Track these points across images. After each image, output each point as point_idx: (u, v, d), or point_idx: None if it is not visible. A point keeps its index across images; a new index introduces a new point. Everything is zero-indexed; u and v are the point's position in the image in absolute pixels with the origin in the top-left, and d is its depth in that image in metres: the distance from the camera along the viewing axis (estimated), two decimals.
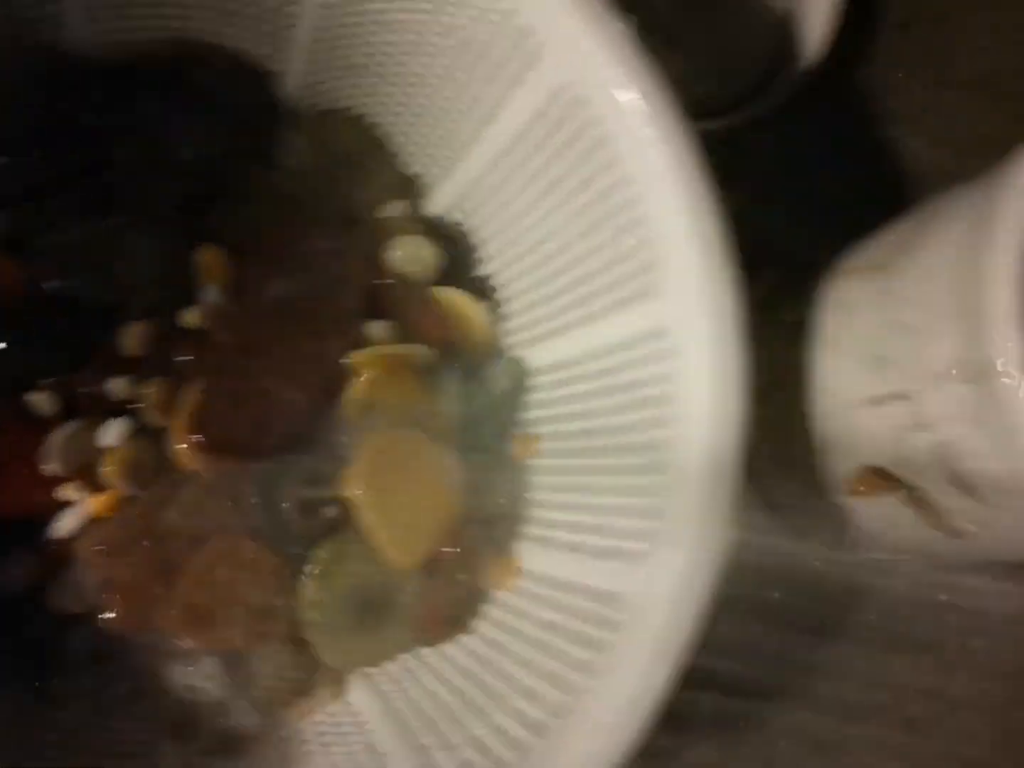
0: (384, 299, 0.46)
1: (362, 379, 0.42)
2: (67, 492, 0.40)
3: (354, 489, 0.40)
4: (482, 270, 0.49)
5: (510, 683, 0.39)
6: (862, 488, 0.38)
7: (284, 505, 0.41)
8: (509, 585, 0.44)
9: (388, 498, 0.41)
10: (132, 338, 0.41)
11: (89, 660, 0.42)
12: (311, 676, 0.43)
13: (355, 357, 0.42)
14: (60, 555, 0.41)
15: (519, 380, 0.47)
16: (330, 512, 0.42)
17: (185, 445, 0.40)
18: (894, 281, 0.36)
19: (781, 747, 0.50)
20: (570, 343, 0.45)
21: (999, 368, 0.29)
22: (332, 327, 0.43)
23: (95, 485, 0.41)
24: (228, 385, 0.40)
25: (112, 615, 0.39)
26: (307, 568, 0.41)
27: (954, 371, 0.31)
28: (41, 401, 0.40)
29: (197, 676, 0.42)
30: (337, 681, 0.44)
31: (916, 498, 0.36)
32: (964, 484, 0.33)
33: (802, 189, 0.53)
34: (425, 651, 0.44)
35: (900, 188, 0.53)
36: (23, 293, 0.40)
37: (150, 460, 0.41)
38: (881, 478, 0.37)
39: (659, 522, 0.36)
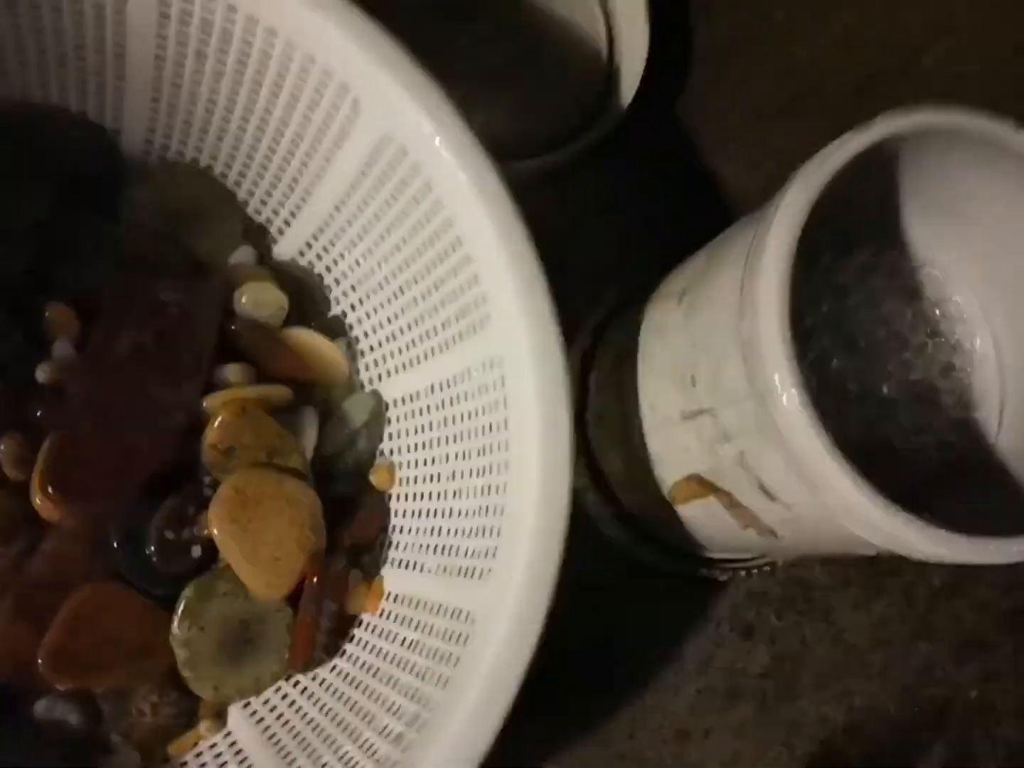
0: (237, 342, 0.48)
1: (217, 422, 0.44)
2: None
3: (214, 528, 0.42)
4: (335, 309, 0.52)
5: (377, 701, 0.42)
6: (685, 494, 0.42)
7: (148, 548, 0.42)
8: (376, 608, 0.46)
9: (249, 535, 0.43)
10: None
11: None
12: (191, 711, 0.44)
13: (209, 401, 0.44)
14: None
15: (376, 413, 0.50)
16: (196, 552, 0.43)
17: (41, 500, 0.41)
18: (694, 306, 0.40)
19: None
20: (420, 375, 0.48)
21: (774, 389, 0.32)
22: (185, 373, 0.45)
23: None
24: (81, 437, 0.42)
25: None
26: (176, 609, 0.42)
27: (741, 390, 0.35)
28: None
29: (75, 719, 0.43)
30: (218, 714, 0.45)
31: (732, 503, 0.41)
32: (765, 490, 0.37)
33: (624, 221, 0.58)
34: (299, 678, 0.46)
35: (720, 213, 0.58)
36: None
37: (9, 514, 0.42)
38: (700, 485, 0.41)
39: (499, 540, 0.40)
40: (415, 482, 0.48)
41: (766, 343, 0.32)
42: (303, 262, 0.52)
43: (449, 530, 0.44)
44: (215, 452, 0.44)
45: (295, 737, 0.43)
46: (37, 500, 0.41)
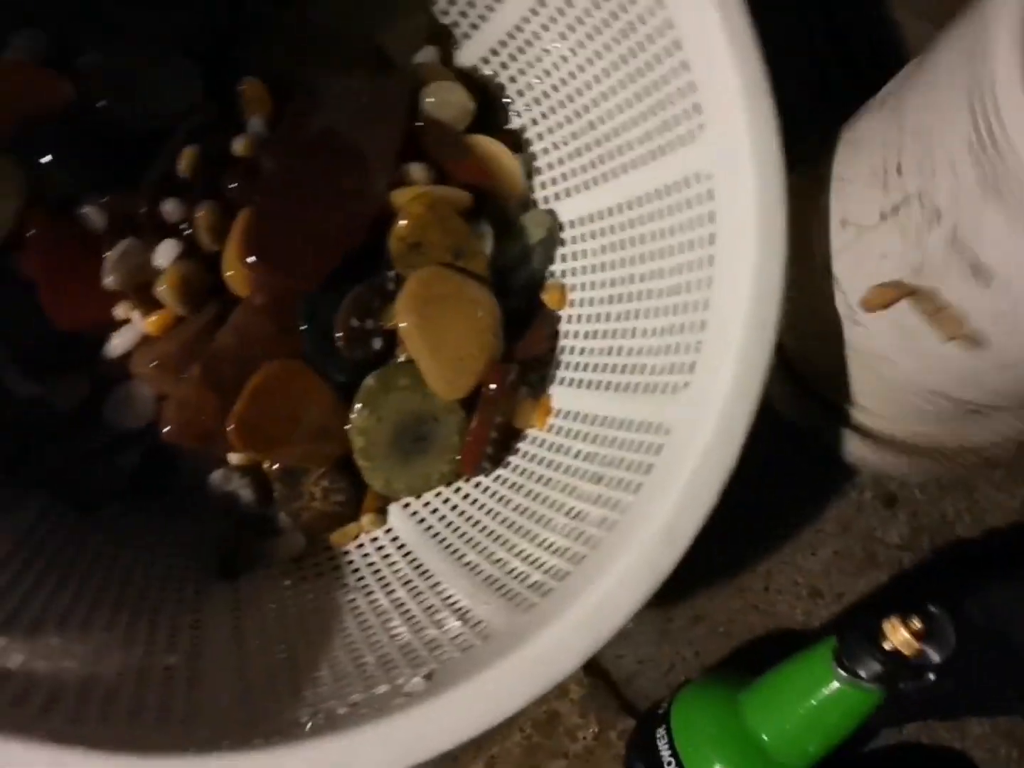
0: (421, 142, 0.46)
1: (406, 215, 0.42)
2: (122, 310, 0.41)
3: (402, 320, 0.42)
4: (516, 122, 0.50)
5: (552, 507, 0.41)
6: (880, 300, 0.39)
7: (335, 333, 0.42)
8: (543, 424, 0.46)
9: (434, 331, 0.42)
10: (184, 161, 0.41)
11: (137, 475, 0.42)
12: (357, 502, 0.45)
13: (398, 196, 0.43)
14: (114, 373, 0.42)
15: (552, 231, 0.48)
16: (377, 344, 0.43)
17: (234, 271, 0.41)
18: (904, 99, 0.38)
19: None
20: (607, 193, 0.47)
21: (1009, 134, 0.30)
22: (374, 164, 0.43)
23: (150, 304, 0.41)
24: (278, 211, 0.41)
25: (170, 428, 0.40)
26: (357, 396, 0.42)
27: (966, 152, 0.32)
28: (93, 215, 0.40)
29: (247, 495, 0.43)
30: (380, 509, 0.46)
31: (934, 308, 0.37)
32: (981, 272, 0.34)
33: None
34: (462, 484, 0.46)
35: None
36: (69, 110, 0.39)
37: (202, 282, 0.41)
38: (897, 289, 0.39)
39: (697, 356, 0.38)
40: (590, 303, 0.47)
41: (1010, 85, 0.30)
42: (486, 71, 0.50)
43: (631, 349, 0.43)
44: (402, 245, 0.43)
45: (461, 536, 0.44)
46: (229, 272, 0.41)
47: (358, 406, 0.42)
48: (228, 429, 0.39)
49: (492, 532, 0.42)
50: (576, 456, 0.43)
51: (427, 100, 0.46)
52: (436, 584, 0.42)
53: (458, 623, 0.38)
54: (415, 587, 0.42)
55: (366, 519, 0.45)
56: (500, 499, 0.44)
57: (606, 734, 0.50)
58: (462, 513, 0.45)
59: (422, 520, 0.46)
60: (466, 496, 0.46)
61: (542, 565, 0.38)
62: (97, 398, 0.42)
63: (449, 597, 0.40)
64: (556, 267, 0.49)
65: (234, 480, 0.43)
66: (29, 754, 0.29)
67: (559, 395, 0.46)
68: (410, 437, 0.43)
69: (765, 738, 0.42)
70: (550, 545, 0.39)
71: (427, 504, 0.46)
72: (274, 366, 0.41)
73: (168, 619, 0.40)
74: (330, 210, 0.41)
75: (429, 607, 0.40)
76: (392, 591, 0.42)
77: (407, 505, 0.47)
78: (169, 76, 0.42)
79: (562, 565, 0.37)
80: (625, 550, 0.35)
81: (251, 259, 0.40)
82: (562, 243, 0.49)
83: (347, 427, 0.42)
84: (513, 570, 0.39)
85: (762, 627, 0.54)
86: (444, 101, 0.47)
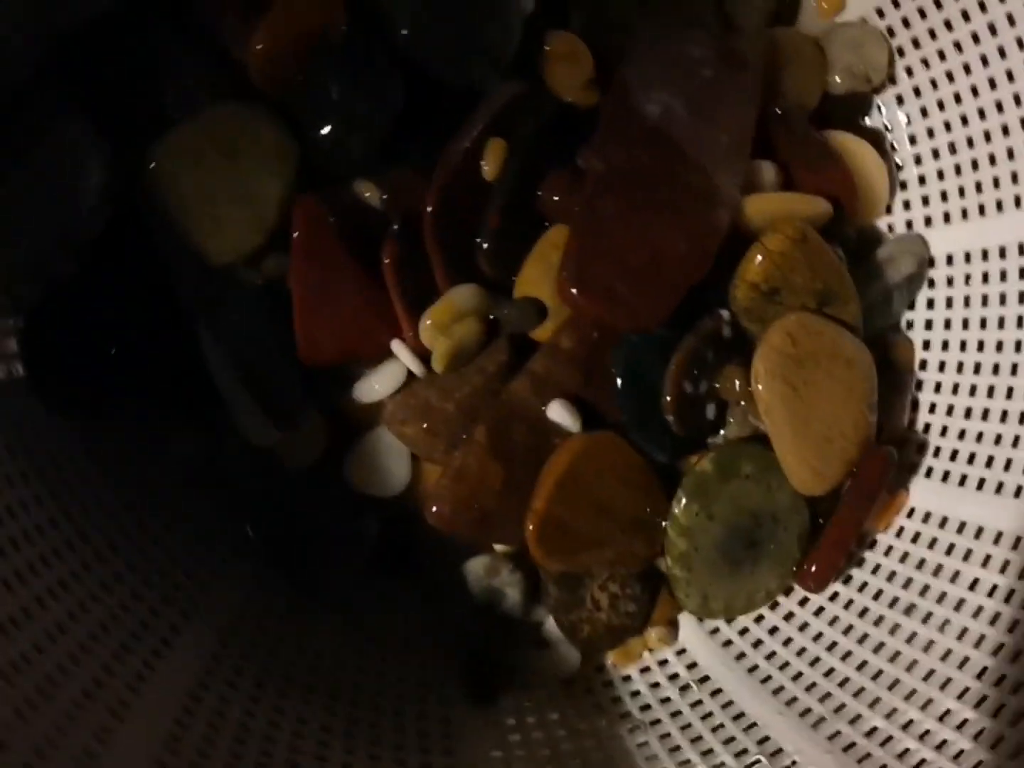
0: (771, 136, 0.34)
1: (769, 255, 0.31)
2: (395, 345, 0.30)
3: (760, 385, 0.30)
4: (881, 116, 0.37)
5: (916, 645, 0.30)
6: None
7: (664, 398, 0.30)
8: (888, 525, 0.34)
9: (802, 402, 0.30)
10: (491, 157, 0.30)
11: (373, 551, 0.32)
12: (646, 615, 0.34)
13: (752, 205, 0.31)
14: (362, 423, 0.31)
15: (922, 266, 0.36)
16: (709, 412, 0.32)
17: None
18: None
19: None
20: (1004, 226, 0.34)
21: None
22: (722, 155, 0.31)
23: (419, 346, 0.30)
24: (607, 227, 0.29)
25: (437, 509, 0.29)
26: (684, 485, 0.31)
27: None
28: (368, 190, 0.29)
29: (512, 593, 0.33)
30: (670, 622, 0.35)
31: None
32: None
33: None
34: (782, 600, 0.34)
35: None
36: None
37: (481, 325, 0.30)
38: None
39: None
40: (959, 370, 0.35)
41: None
42: None
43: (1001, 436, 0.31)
44: (752, 292, 0.31)
45: (784, 670, 0.32)
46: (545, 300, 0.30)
47: (684, 499, 0.30)
48: (526, 532, 0.28)
49: (832, 671, 0.31)
50: (941, 575, 0.31)
51: (841, 56, 0.35)
52: (755, 732, 0.31)
53: None
54: (728, 734, 0.31)
55: (654, 634, 0.34)
56: (834, 622, 0.32)
57: None
58: (787, 640, 0.33)
59: (728, 643, 0.34)
60: (789, 616, 0.34)
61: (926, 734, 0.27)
62: (334, 455, 0.31)
63: (779, 752, 0.30)
64: (909, 315, 0.37)
65: (502, 574, 0.32)
66: None
67: (919, 490, 0.34)
68: (742, 543, 0.32)
69: None
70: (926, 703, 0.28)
71: (732, 621, 0.35)
72: (585, 441, 0.30)
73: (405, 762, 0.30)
74: (672, 225, 0.30)
75: (752, 765, 0.29)
76: (697, 737, 0.31)
77: (703, 620, 0.35)
78: (493, 29, 0.31)
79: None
80: None
81: (572, 289, 0.29)
82: (930, 284, 0.37)
83: (663, 524, 0.31)
84: (874, 732, 0.28)
85: None
86: (859, 60, 0.35)
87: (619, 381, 0.30)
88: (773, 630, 0.34)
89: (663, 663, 0.35)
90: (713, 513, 0.31)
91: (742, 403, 0.31)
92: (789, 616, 0.34)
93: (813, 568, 0.32)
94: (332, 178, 0.29)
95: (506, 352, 0.30)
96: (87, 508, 0.29)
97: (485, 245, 0.30)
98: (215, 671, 0.29)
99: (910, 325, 0.37)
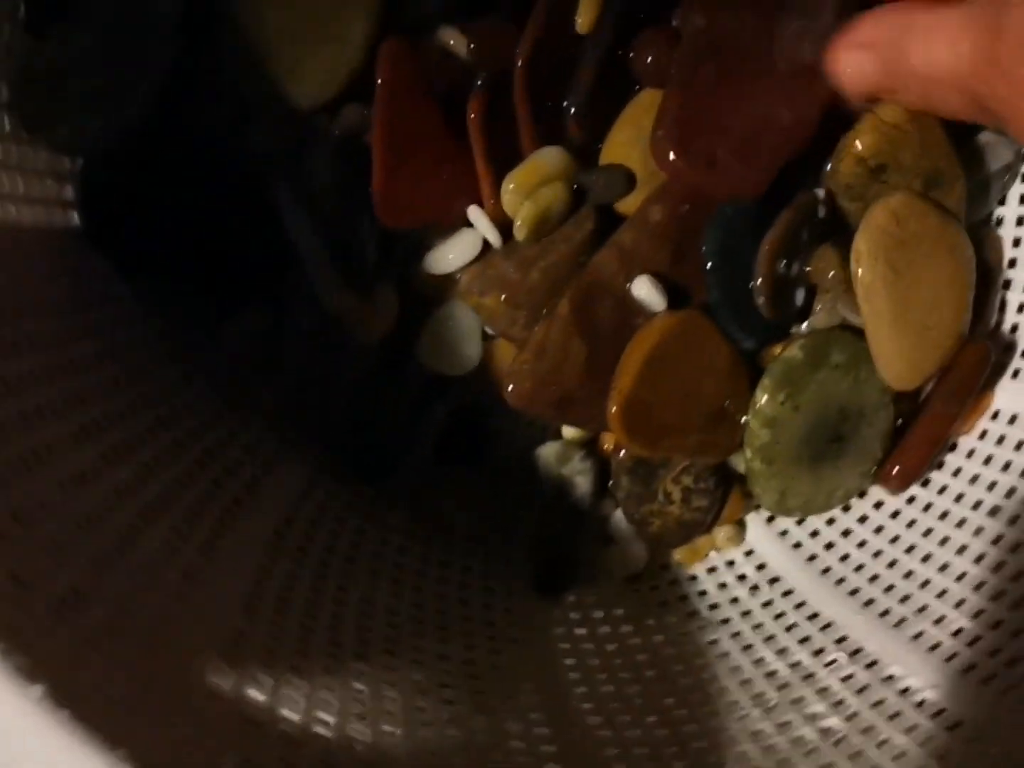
0: None
1: (876, 131, 0.29)
2: (473, 212, 0.28)
3: (859, 265, 0.28)
4: None
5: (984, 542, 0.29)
6: None
7: (755, 280, 0.29)
8: (972, 427, 0.33)
9: (902, 286, 0.29)
10: (584, 8, 0.27)
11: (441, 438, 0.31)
12: (716, 511, 0.32)
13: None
14: (437, 296, 0.30)
15: (1018, 156, 0.34)
16: (799, 297, 0.30)
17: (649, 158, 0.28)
18: None
19: None
20: None
21: None
22: (814, 6, 0.29)
23: (499, 214, 0.28)
24: (700, 89, 0.27)
25: (514, 387, 0.28)
26: (770, 372, 0.29)
27: None
28: (454, 38, 0.27)
29: (582, 481, 0.31)
30: (739, 521, 0.33)
31: None
32: None
33: None
34: (856, 502, 0.33)
35: None
36: None
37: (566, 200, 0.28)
38: None
39: None
40: None
41: None
42: None
43: None
44: (857, 167, 0.29)
45: (860, 571, 0.31)
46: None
47: (770, 387, 0.29)
48: (610, 413, 0.27)
49: (911, 572, 0.30)
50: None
51: None
52: (832, 632, 0.30)
53: (878, 685, 0.27)
54: (802, 633, 0.30)
55: (722, 533, 0.33)
56: (911, 525, 0.31)
57: None
58: (861, 543, 0.32)
59: (798, 544, 0.33)
60: (863, 518, 0.33)
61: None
62: (406, 330, 0.29)
63: (859, 652, 0.29)
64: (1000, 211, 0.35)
65: (573, 461, 0.31)
66: None
67: (1006, 391, 0.33)
68: (826, 437, 0.30)
69: None
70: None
71: (802, 523, 0.34)
72: (675, 320, 0.28)
73: (473, 647, 0.29)
74: (774, 92, 0.28)
75: (830, 664, 0.29)
76: (770, 636, 0.30)
77: (772, 519, 0.34)
78: None
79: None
80: None
81: (670, 153, 0.27)
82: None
83: (745, 417, 0.29)
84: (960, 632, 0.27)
85: None
86: None
87: (710, 259, 0.29)
88: (846, 532, 0.33)
89: (730, 563, 0.33)
90: (799, 404, 0.29)
91: (831, 290, 0.30)
92: (863, 519, 0.33)
93: (896, 468, 0.31)
94: (416, 26, 0.27)
95: (593, 220, 0.28)
96: (147, 374, 0.27)
97: (574, 107, 0.28)
98: (275, 556, 0.27)
99: (999, 222, 0.35)
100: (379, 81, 0.26)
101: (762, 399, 0.29)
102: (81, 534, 0.21)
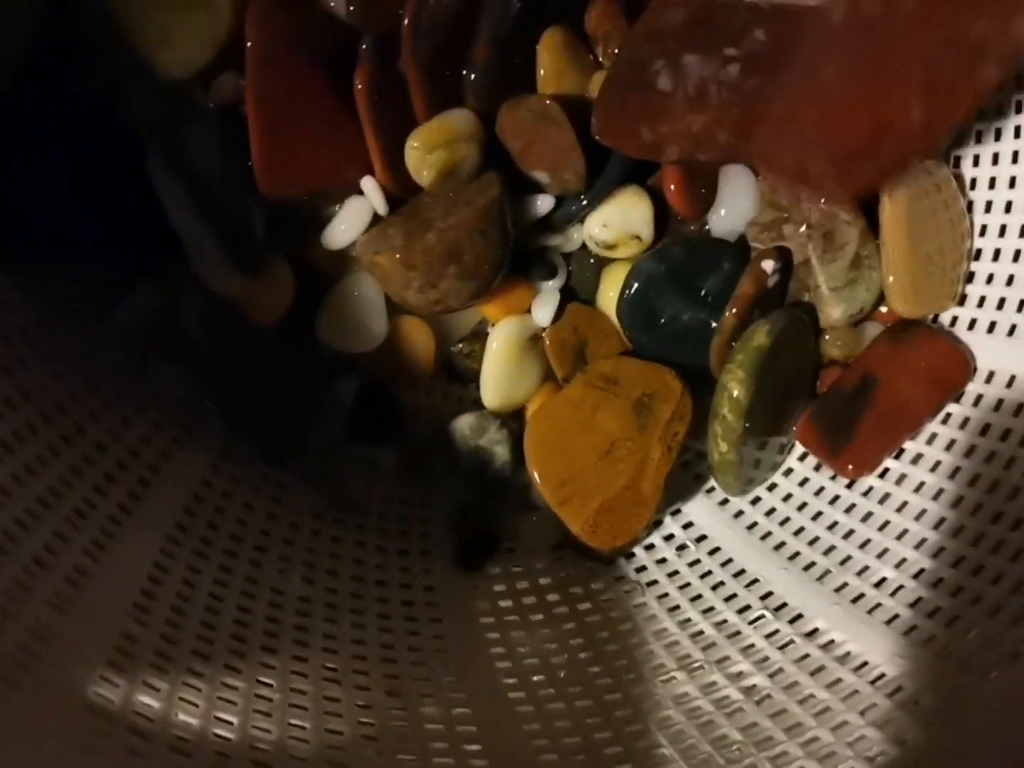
0: None
1: None
2: (366, 183, 0.27)
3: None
4: None
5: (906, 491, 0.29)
6: None
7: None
8: None
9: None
10: None
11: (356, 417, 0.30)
12: None
13: None
14: (331, 270, 0.28)
15: None
16: None
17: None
18: None
19: None
20: None
21: None
22: None
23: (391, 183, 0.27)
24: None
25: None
26: (739, 361, 0.28)
27: None
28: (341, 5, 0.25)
29: (500, 451, 0.31)
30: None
31: None
32: None
33: None
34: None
35: None
36: None
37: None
38: None
39: None
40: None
41: None
42: None
43: None
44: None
45: (783, 525, 0.31)
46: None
47: (744, 378, 0.28)
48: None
49: (836, 524, 0.30)
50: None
51: None
52: (757, 588, 0.30)
53: (801, 640, 0.27)
54: (728, 591, 0.30)
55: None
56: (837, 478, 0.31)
57: None
58: (786, 496, 0.32)
59: (724, 502, 0.33)
60: (788, 471, 0.32)
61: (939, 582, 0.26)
62: (303, 307, 0.28)
63: (784, 607, 0.29)
64: None
65: (490, 431, 0.30)
66: None
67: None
68: (773, 411, 0.30)
69: None
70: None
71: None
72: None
73: (390, 630, 0.28)
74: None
75: (755, 621, 0.28)
76: (696, 596, 0.30)
77: (699, 478, 0.34)
78: None
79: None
80: None
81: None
82: None
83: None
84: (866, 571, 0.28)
85: None
86: None
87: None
88: (771, 487, 0.32)
89: (658, 524, 0.33)
90: (764, 387, 0.28)
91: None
92: (788, 472, 0.32)
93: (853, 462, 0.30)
94: None
95: (499, 186, 0.27)
96: (24, 366, 0.26)
97: (473, 76, 0.26)
98: (180, 543, 0.26)
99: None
100: (248, 44, 0.24)
101: (735, 391, 0.28)
102: None
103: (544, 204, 0.29)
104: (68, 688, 0.19)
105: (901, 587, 0.27)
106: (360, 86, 0.26)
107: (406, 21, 0.26)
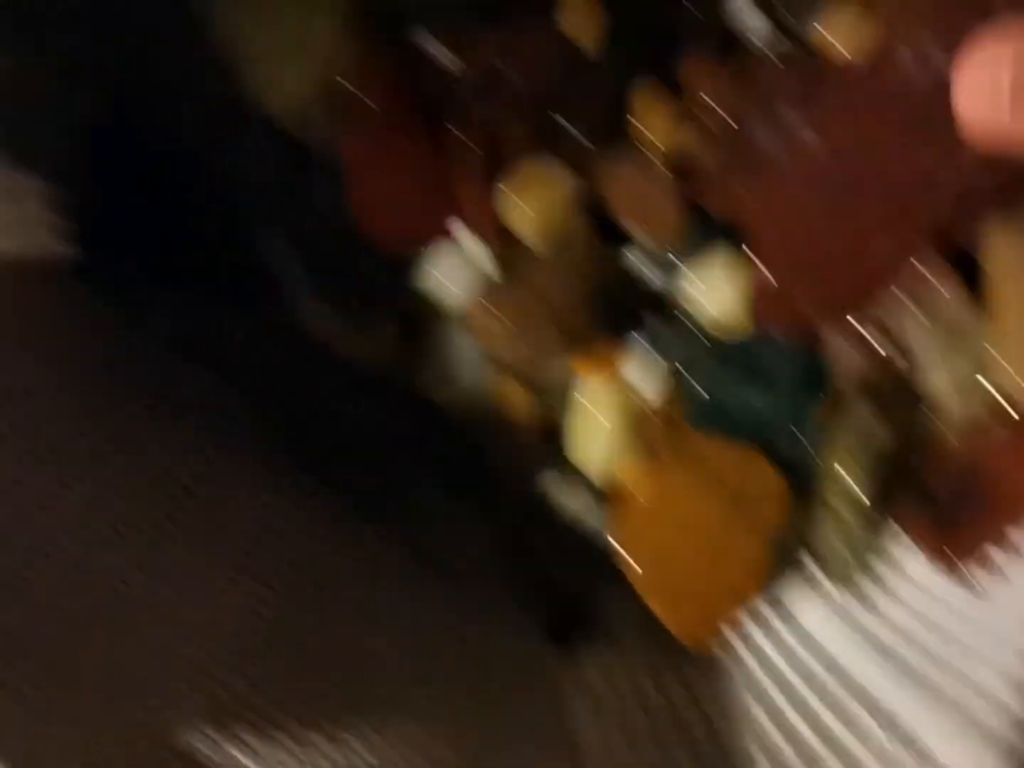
0: None
1: None
2: (458, 231, 0.26)
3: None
4: None
5: None
6: None
7: None
8: None
9: None
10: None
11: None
12: None
13: None
14: (422, 322, 0.28)
15: None
16: None
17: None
18: None
19: None
20: None
21: None
22: None
23: (494, 228, 0.26)
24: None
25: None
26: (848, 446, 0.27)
27: None
28: (440, 51, 0.25)
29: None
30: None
31: None
32: None
33: None
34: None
35: None
36: None
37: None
38: None
39: None
40: None
41: None
42: None
43: None
44: None
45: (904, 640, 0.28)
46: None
47: (855, 464, 0.26)
48: None
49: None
50: None
51: None
52: (864, 695, 0.26)
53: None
54: (833, 697, 0.27)
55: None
56: None
57: None
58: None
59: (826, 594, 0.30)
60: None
61: None
62: (405, 357, 0.28)
63: (895, 721, 0.25)
64: None
65: (579, 494, 0.29)
66: None
67: None
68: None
69: None
70: None
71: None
72: None
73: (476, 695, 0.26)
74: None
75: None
76: (800, 699, 0.27)
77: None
78: None
79: None
80: None
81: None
82: None
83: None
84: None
85: None
86: None
87: None
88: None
89: (757, 616, 0.30)
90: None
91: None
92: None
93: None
94: (392, 24, 0.25)
95: (612, 259, 0.26)
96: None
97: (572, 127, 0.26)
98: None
99: None
100: (352, 92, 0.24)
101: (848, 479, 0.26)
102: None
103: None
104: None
105: None
106: (459, 130, 0.26)
107: (510, 73, 0.25)
